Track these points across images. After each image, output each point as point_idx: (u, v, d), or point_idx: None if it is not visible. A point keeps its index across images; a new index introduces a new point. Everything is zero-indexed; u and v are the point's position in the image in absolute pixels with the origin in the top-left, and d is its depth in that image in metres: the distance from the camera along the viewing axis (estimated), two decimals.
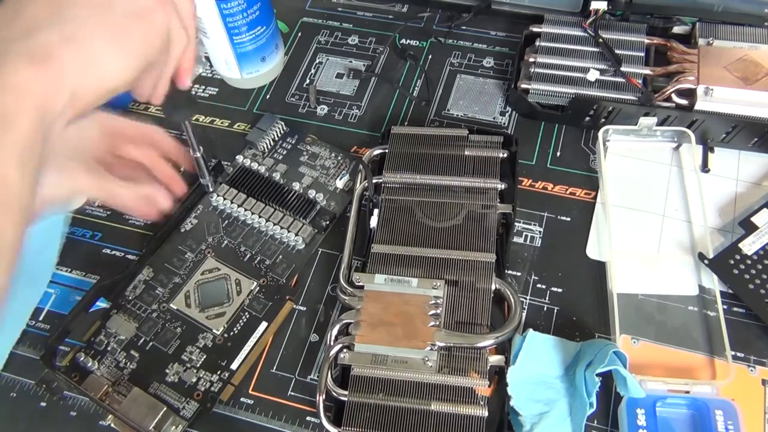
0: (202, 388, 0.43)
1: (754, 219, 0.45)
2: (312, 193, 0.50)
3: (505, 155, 0.49)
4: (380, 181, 0.49)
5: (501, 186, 0.48)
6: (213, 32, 0.52)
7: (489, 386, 0.40)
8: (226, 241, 0.49)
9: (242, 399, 0.44)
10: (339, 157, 0.52)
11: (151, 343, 0.45)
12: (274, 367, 0.45)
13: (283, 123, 0.53)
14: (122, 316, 0.46)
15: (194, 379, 0.43)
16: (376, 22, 0.62)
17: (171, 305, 0.46)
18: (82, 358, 0.44)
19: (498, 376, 0.42)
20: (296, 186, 0.51)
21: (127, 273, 0.47)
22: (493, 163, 0.49)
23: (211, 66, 0.59)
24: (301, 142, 0.53)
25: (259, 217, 0.49)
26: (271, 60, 0.57)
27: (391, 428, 0.39)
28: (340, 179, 0.51)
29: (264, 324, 0.45)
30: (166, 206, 0.40)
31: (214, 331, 0.45)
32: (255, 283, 0.47)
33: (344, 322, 0.43)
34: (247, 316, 0.45)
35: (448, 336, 0.41)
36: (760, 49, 0.50)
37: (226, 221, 0.50)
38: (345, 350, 0.42)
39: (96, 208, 0.53)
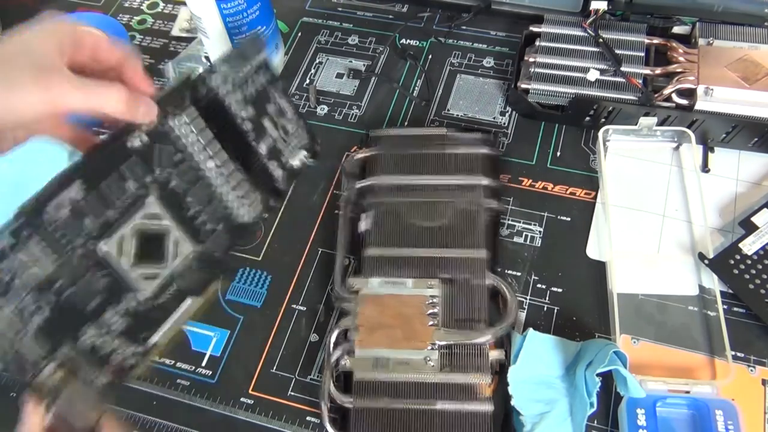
0: (115, 361, 0.36)
1: (754, 219, 0.45)
2: (273, 165, 0.43)
3: (488, 151, 0.49)
4: (366, 184, 0.49)
5: (485, 182, 0.48)
6: (213, 32, 0.52)
7: (491, 381, 0.40)
8: (174, 183, 0.39)
9: (242, 399, 0.43)
10: (299, 124, 0.44)
11: (68, 291, 0.35)
12: (274, 367, 0.45)
13: (263, 57, 0.43)
14: (40, 243, 0.35)
15: (109, 349, 0.36)
16: (376, 22, 0.62)
17: (102, 246, 0.36)
18: None
19: (499, 370, 0.42)
20: (261, 148, 0.42)
21: (54, 181, 0.36)
22: (475, 159, 0.49)
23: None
24: (273, 85, 0.43)
25: (219, 170, 0.40)
26: (271, 60, 0.57)
27: (399, 431, 0.39)
28: (298, 158, 0.44)
29: (189, 300, 0.39)
30: (152, 108, 0.36)
31: (141, 293, 0.37)
32: (192, 249, 0.39)
33: (342, 327, 0.43)
34: (175, 286, 0.39)
35: (447, 334, 0.41)
36: (760, 49, 0.50)
37: (180, 155, 0.39)
38: (346, 356, 0.42)
39: None
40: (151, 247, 0.38)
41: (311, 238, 0.50)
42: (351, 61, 0.59)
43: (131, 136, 0.37)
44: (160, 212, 0.38)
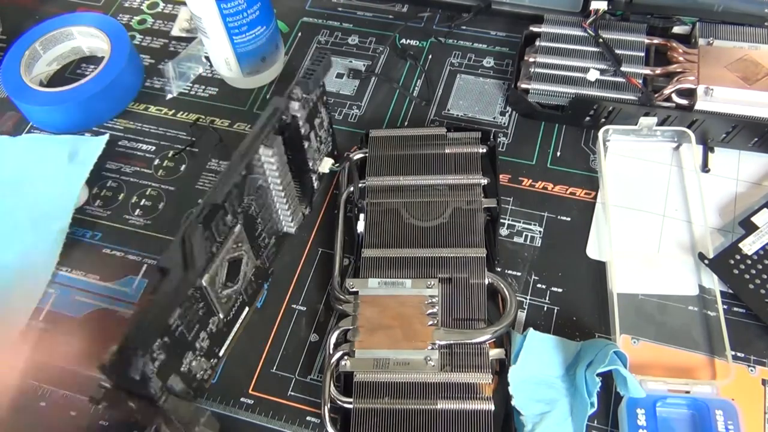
0: (199, 378, 0.39)
1: (754, 219, 0.45)
2: (314, 176, 0.44)
3: (485, 150, 0.49)
4: (363, 185, 0.49)
5: (484, 181, 0.48)
6: (213, 32, 0.52)
7: (492, 380, 0.40)
8: (252, 208, 0.40)
9: (242, 399, 0.43)
10: (330, 132, 0.46)
11: (180, 329, 0.36)
12: (274, 367, 0.45)
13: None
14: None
15: (197, 370, 0.38)
16: (376, 22, 0.62)
17: (203, 281, 0.37)
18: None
19: (499, 369, 0.42)
20: (310, 162, 0.42)
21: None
22: (474, 158, 0.49)
23: (211, 66, 0.59)
24: (321, 99, 0.44)
25: (282, 188, 0.40)
26: (271, 60, 0.57)
27: (399, 431, 0.39)
28: (324, 166, 0.46)
29: (246, 310, 0.42)
30: None
31: (220, 315, 0.40)
32: (252, 264, 0.41)
33: (342, 329, 0.43)
34: (241, 300, 0.41)
35: (447, 334, 0.41)
36: (760, 49, 0.50)
37: (261, 180, 0.39)
38: (346, 357, 0.42)
39: (96, 208, 0.53)
40: (232, 271, 0.39)
41: (311, 238, 0.50)
42: (351, 61, 0.59)
43: (236, 172, 0.37)
44: (244, 237, 0.39)
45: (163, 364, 0.34)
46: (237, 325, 0.42)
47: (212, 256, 0.37)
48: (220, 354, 0.41)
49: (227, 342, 0.41)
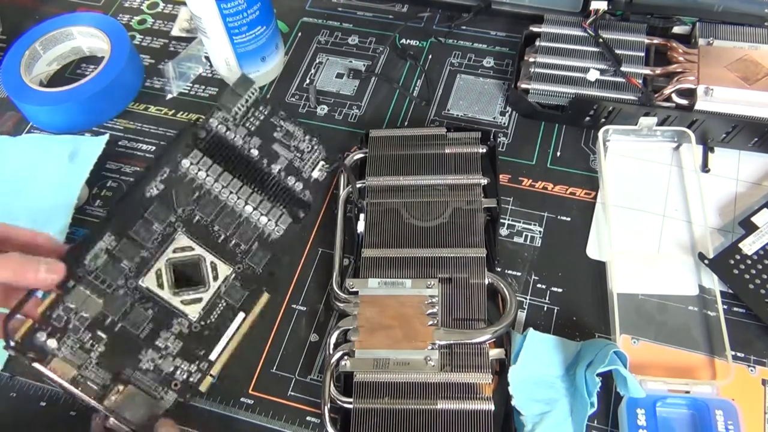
0: (180, 378, 0.41)
1: (754, 219, 0.45)
2: (291, 180, 0.47)
3: (485, 150, 0.49)
4: (363, 185, 0.49)
5: (484, 181, 0.48)
6: (213, 32, 0.52)
7: (492, 380, 0.40)
8: (198, 217, 0.44)
9: (242, 399, 0.43)
10: (313, 143, 0.49)
11: (120, 324, 0.41)
12: (274, 367, 0.45)
13: (258, 90, 0.49)
14: (84, 290, 0.40)
15: (171, 368, 0.41)
16: (376, 22, 0.62)
17: (140, 282, 0.42)
18: (42, 338, 0.38)
19: (499, 369, 0.42)
20: (274, 169, 0.47)
21: (86, 238, 0.42)
22: (474, 159, 0.49)
23: (211, 66, 0.59)
24: (274, 116, 0.49)
25: (238, 197, 0.45)
26: (271, 60, 0.57)
27: (399, 431, 0.39)
28: (317, 170, 0.48)
29: (241, 315, 0.43)
30: (55, 268, 0.38)
31: (190, 317, 0.42)
32: (231, 269, 0.44)
33: (342, 329, 0.43)
34: (224, 305, 0.43)
35: (447, 334, 0.41)
36: (760, 49, 0.50)
37: (197, 193, 0.45)
38: (346, 357, 0.42)
39: (96, 208, 0.53)
40: (189, 275, 0.43)
41: (311, 238, 0.50)
42: (351, 61, 0.59)
43: (148, 187, 0.44)
44: (190, 244, 0.44)
45: (103, 356, 0.40)
46: (230, 330, 0.43)
47: (145, 261, 0.42)
48: (211, 358, 0.42)
49: (218, 347, 0.42)
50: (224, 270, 0.44)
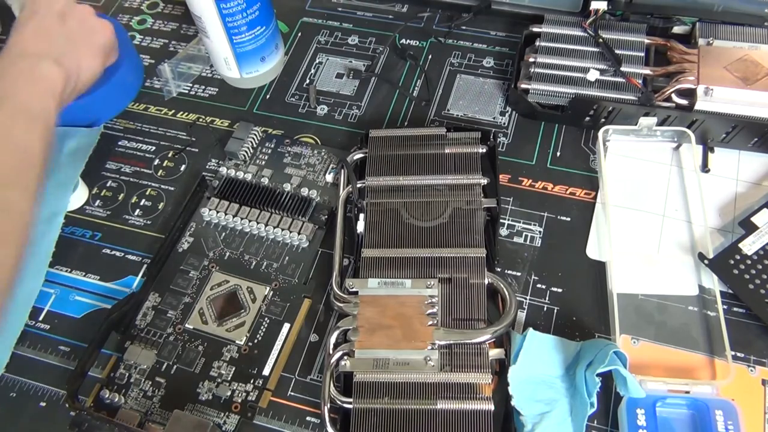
0: (239, 399, 0.42)
1: (754, 219, 0.45)
2: (305, 191, 0.50)
3: (485, 150, 0.49)
4: (363, 185, 0.49)
5: (483, 181, 0.48)
6: (213, 32, 0.52)
7: (492, 380, 0.40)
8: (228, 253, 0.48)
9: None
10: (322, 153, 0.52)
11: (175, 367, 0.44)
12: None
13: (258, 129, 0.53)
14: (138, 346, 0.45)
15: (228, 393, 0.43)
16: (376, 22, 0.62)
17: (186, 325, 0.45)
18: (107, 396, 0.43)
19: (499, 369, 0.42)
20: (287, 187, 0.50)
21: (133, 303, 0.46)
22: (474, 159, 0.49)
23: (210, 66, 0.59)
24: (281, 146, 0.53)
25: (258, 223, 0.48)
26: (271, 60, 0.57)
27: (399, 431, 0.39)
28: (329, 173, 0.51)
29: (287, 326, 0.45)
30: None
31: (237, 342, 0.45)
32: (268, 288, 0.47)
33: (342, 329, 0.43)
34: (268, 321, 0.45)
35: (447, 334, 0.41)
36: (760, 49, 0.50)
37: (223, 233, 0.49)
38: (345, 357, 0.42)
39: (96, 208, 0.53)
40: (229, 304, 0.46)
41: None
42: (351, 61, 0.59)
43: (179, 244, 0.49)
44: (226, 278, 0.47)
45: (164, 398, 0.43)
46: (279, 343, 0.44)
47: (188, 305, 0.46)
48: (265, 373, 0.43)
49: (270, 361, 0.44)
50: (261, 291, 0.46)
